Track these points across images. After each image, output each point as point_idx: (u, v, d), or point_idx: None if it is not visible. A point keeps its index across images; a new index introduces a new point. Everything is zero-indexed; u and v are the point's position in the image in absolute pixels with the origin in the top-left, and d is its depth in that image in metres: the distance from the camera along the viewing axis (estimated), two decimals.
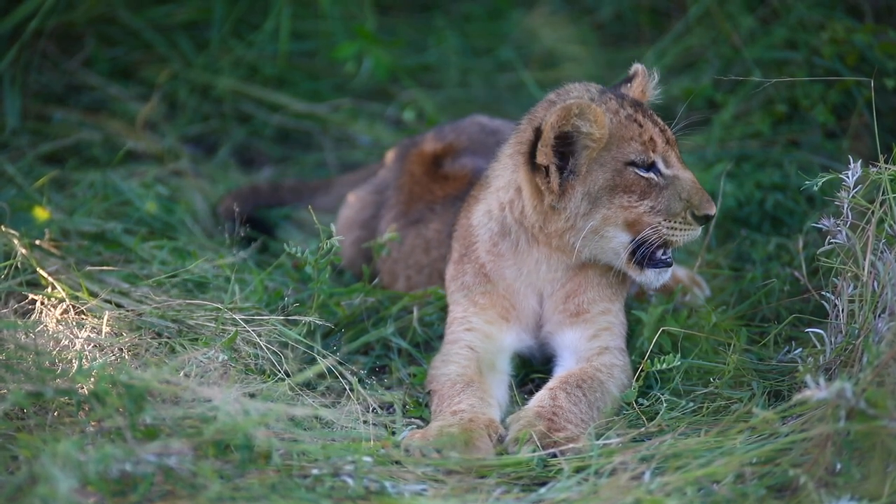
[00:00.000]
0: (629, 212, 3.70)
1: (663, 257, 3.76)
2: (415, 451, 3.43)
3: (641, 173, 3.70)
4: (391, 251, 4.46)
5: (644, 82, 3.94)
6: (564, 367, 3.84)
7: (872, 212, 3.71)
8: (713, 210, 3.72)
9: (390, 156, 4.92)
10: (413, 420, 3.79)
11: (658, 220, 3.70)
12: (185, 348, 3.81)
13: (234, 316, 3.94)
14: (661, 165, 3.72)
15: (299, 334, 3.96)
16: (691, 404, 3.75)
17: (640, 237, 3.71)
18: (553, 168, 3.68)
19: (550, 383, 3.71)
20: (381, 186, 4.80)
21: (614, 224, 3.72)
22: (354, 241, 4.70)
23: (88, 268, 4.27)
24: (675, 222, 3.71)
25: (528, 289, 3.89)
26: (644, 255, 3.73)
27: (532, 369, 4.02)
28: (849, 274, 3.72)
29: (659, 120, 3.79)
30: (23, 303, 4.01)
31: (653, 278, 3.77)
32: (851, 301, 3.69)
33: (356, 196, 4.89)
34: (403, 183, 4.64)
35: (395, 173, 4.74)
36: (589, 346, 3.85)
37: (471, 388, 3.69)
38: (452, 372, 3.77)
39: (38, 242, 4.34)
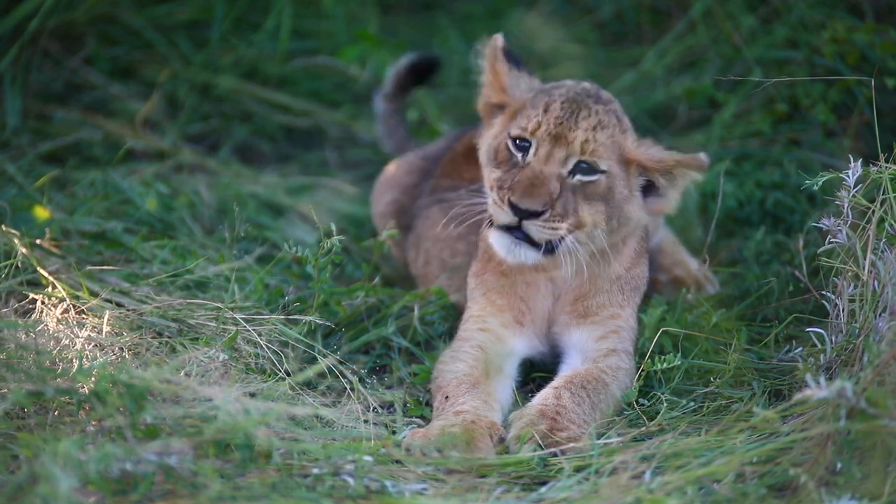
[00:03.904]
0: (491, 174, 3.82)
1: (512, 231, 3.71)
2: (416, 451, 3.42)
3: (509, 145, 3.80)
4: (422, 231, 4.47)
5: None
6: (570, 366, 3.84)
7: (873, 211, 3.71)
8: (522, 204, 3.64)
9: (449, 134, 5.03)
10: (414, 419, 3.78)
11: (494, 191, 3.75)
12: (185, 348, 3.81)
13: (234, 315, 3.94)
14: (531, 150, 3.76)
15: (300, 333, 3.96)
16: (692, 404, 3.75)
17: None
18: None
19: (555, 382, 3.70)
20: (431, 155, 4.86)
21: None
22: (391, 202, 4.78)
23: (89, 267, 4.27)
24: (498, 197, 3.72)
25: (548, 285, 3.89)
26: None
27: (535, 369, 4.02)
28: (849, 273, 3.72)
29: (580, 121, 3.74)
30: (23, 302, 4.00)
31: (494, 243, 3.74)
32: (852, 300, 3.70)
33: (405, 158, 4.98)
34: (446, 161, 4.69)
35: (444, 150, 4.79)
36: (597, 346, 3.85)
37: (476, 390, 3.68)
38: (460, 370, 3.76)
39: (38, 242, 4.34)
